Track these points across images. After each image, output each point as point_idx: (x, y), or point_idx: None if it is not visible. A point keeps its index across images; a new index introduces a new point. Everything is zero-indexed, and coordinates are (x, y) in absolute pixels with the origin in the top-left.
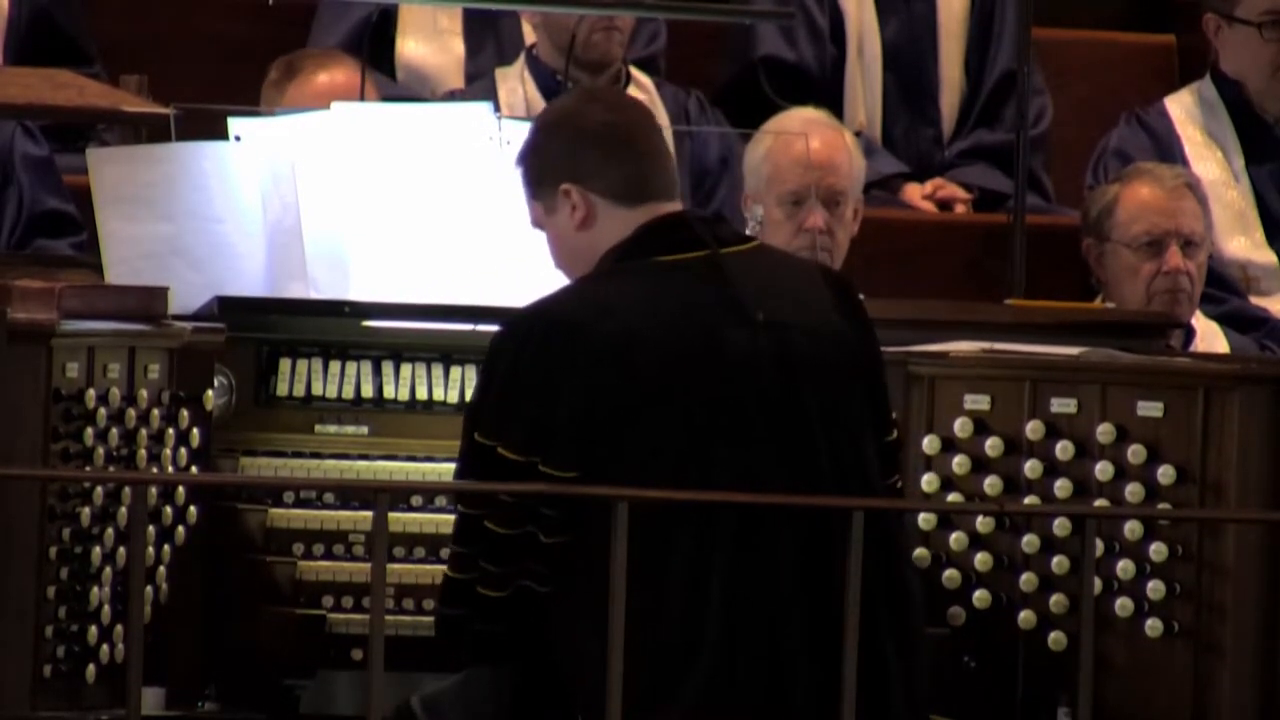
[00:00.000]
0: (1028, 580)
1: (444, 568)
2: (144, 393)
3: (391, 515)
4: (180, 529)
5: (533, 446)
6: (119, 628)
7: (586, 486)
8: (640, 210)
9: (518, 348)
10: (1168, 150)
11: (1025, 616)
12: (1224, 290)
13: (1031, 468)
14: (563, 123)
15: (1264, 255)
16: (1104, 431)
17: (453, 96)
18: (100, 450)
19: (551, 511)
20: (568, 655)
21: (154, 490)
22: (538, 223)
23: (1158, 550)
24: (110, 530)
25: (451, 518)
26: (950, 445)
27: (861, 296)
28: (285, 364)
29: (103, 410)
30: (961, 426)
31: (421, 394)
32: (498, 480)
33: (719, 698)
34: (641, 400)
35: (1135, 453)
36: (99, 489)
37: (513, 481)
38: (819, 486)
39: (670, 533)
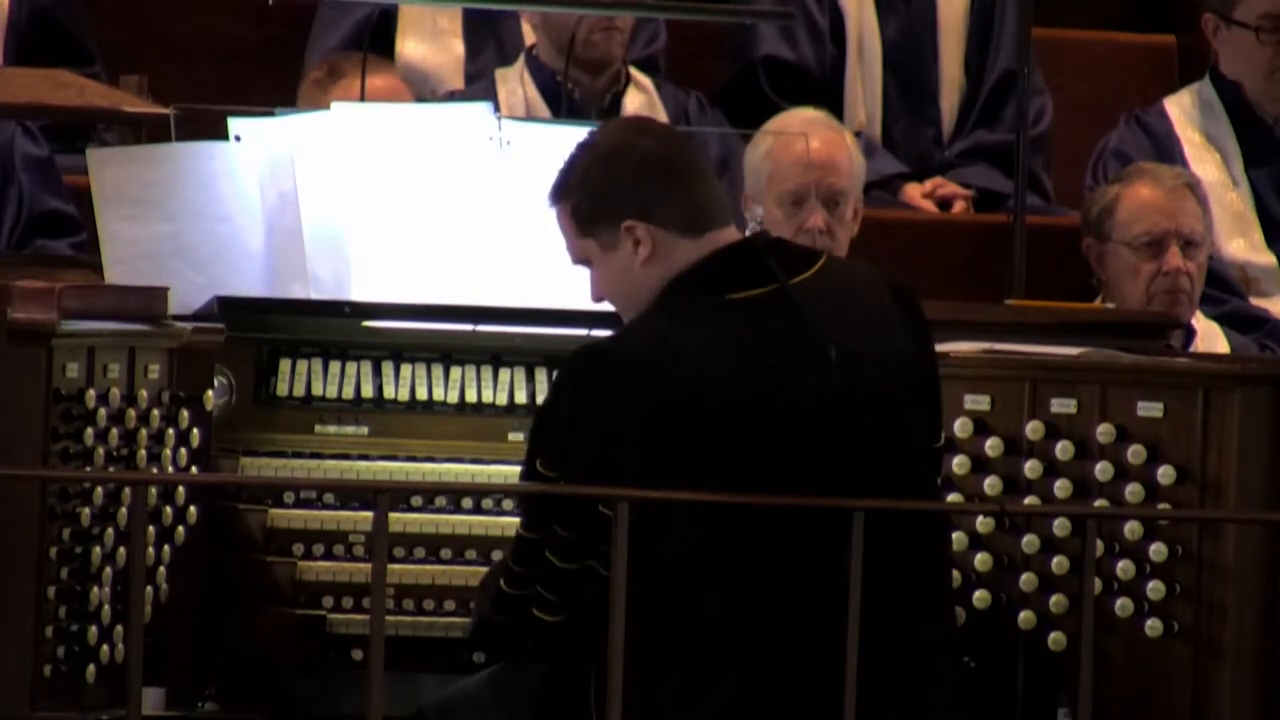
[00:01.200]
0: (1027, 580)
1: (459, 568)
2: (144, 393)
3: (391, 515)
4: (180, 529)
5: (591, 483)
6: (119, 628)
7: (586, 487)
8: (703, 240)
9: (584, 383)
10: (1167, 151)
11: (1025, 616)
12: (1224, 291)
13: (1031, 468)
14: (618, 156)
15: (1263, 256)
16: (1104, 431)
17: (453, 97)
18: (100, 450)
19: (608, 547)
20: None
21: (154, 490)
22: (582, 259)
23: (1158, 550)
24: (110, 530)
25: (451, 518)
26: (950, 445)
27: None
28: (285, 364)
29: (103, 410)
30: (961, 426)
31: (421, 394)
32: (560, 513)
33: (747, 709)
34: (706, 452)
35: (1135, 453)
36: (99, 489)
37: (570, 516)
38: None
39: (705, 542)
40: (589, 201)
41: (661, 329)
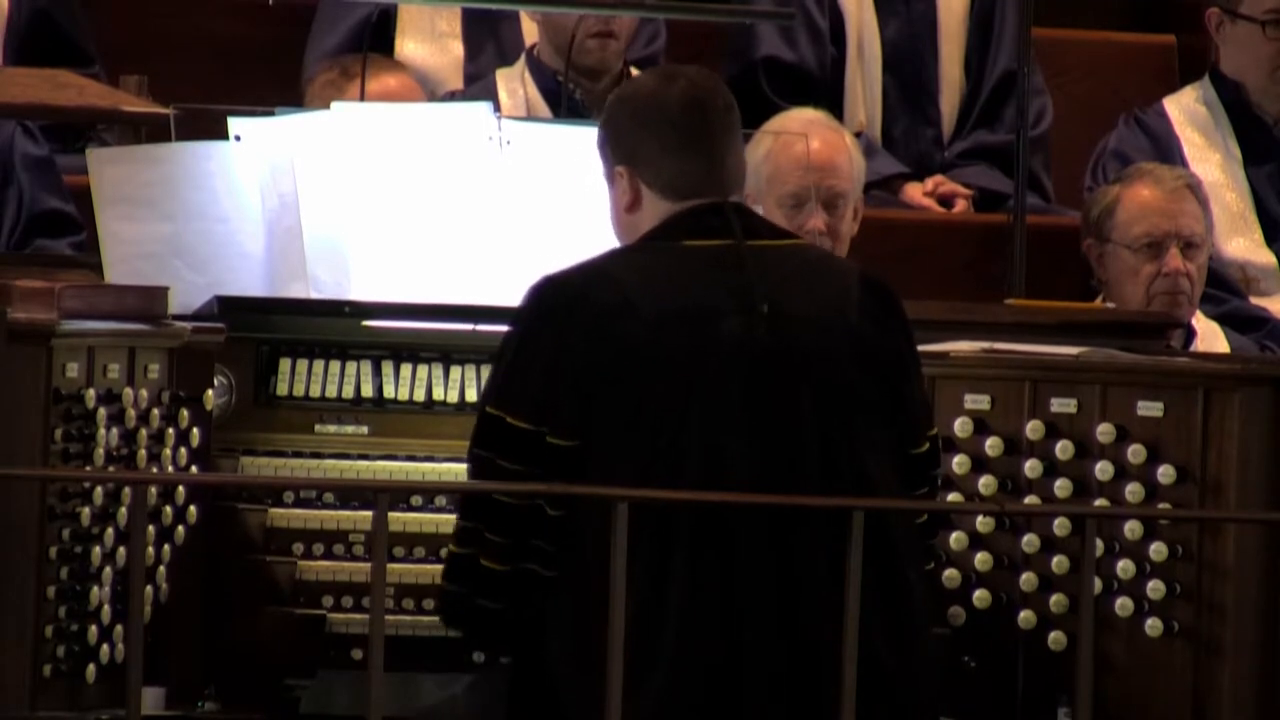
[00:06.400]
0: (1028, 580)
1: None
2: (144, 392)
3: (391, 515)
4: (180, 529)
5: (540, 415)
6: (119, 628)
7: (586, 486)
8: (684, 204)
9: (527, 318)
10: (1166, 151)
11: (1025, 616)
12: (1224, 290)
13: (1031, 467)
14: (635, 102)
15: (1263, 256)
16: (1104, 431)
17: (453, 97)
18: (100, 450)
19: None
20: (556, 649)
21: (154, 490)
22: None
23: (1158, 550)
24: (110, 530)
25: (451, 518)
26: (950, 445)
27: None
28: (285, 364)
29: (103, 410)
30: (961, 426)
31: (421, 394)
32: (508, 449)
33: (680, 695)
34: (627, 369)
35: (1135, 453)
36: (99, 489)
37: (520, 450)
38: (801, 483)
39: (654, 527)
40: (601, 133)
41: (603, 263)
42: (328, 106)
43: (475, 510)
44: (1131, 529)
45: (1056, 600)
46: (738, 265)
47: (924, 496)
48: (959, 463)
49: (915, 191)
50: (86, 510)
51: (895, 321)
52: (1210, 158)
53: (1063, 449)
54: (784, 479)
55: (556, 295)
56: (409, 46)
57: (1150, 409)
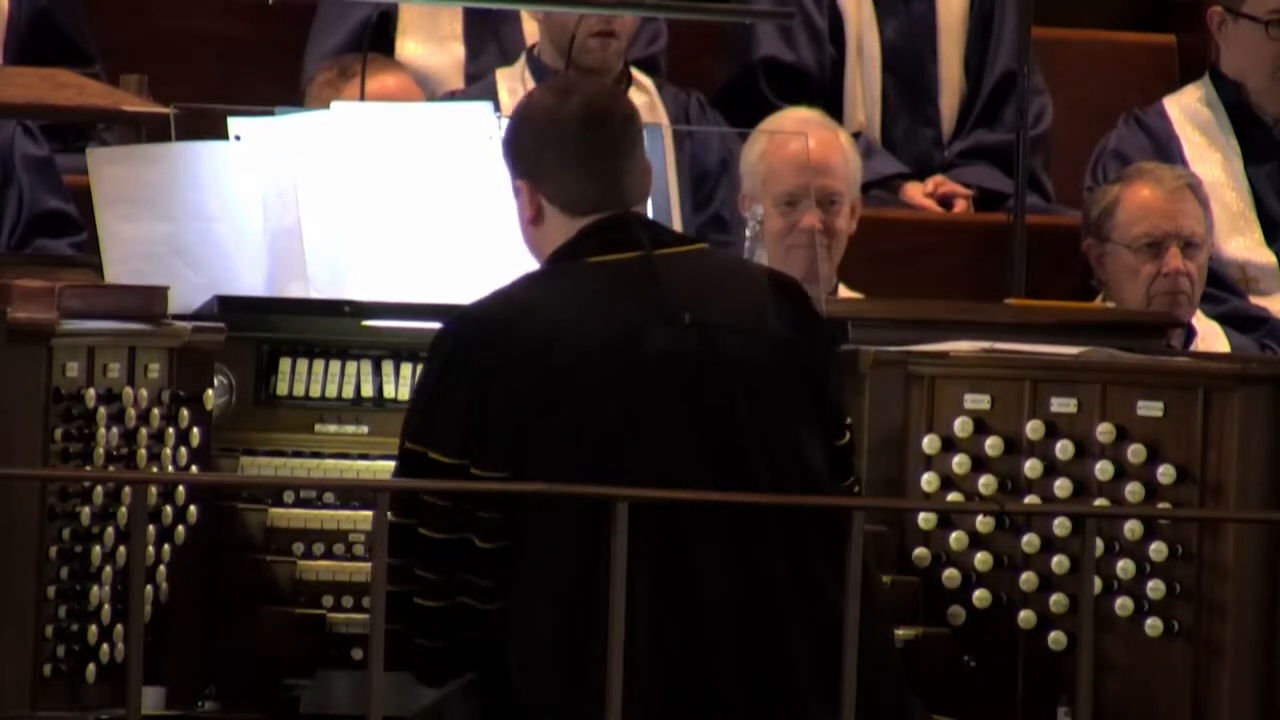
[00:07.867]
0: (1027, 580)
1: None
2: (144, 392)
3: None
4: (180, 529)
5: (465, 449)
6: (119, 627)
7: (585, 487)
8: (586, 219)
9: (447, 353)
10: (1166, 151)
11: (1025, 616)
12: (1224, 290)
13: (1031, 467)
14: (534, 117)
15: (1263, 256)
16: (1104, 431)
17: (453, 96)
18: (100, 450)
19: (489, 514)
20: (521, 666)
21: (154, 490)
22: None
23: (1158, 550)
24: (110, 530)
25: None
26: (950, 445)
27: (828, 298)
28: (285, 363)
29: (103, 410)
30: (961, 426)
31: None
32: (428, 480)
33: (653, 702)
34: (561, 398)
35: (1135, 452)
36: (99, 489)
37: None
38: (749, 485)
39: (594, 534)
40: (505, 151)
41: (518, 291)
42: (327, 106)
43: (403, 547)
44: (1131, 529)
45: (1056, 600)
46: (652, 277)
47: (848, 486)
48: (959, 463)
49: (915, 192)
50: (86, 510)
51: (808, 318)
52: (1210, 157)
53: (1063, 449)
54: (737, 486)
55: (478, 332)
56: (409, 47)
57: (1150, 409)
